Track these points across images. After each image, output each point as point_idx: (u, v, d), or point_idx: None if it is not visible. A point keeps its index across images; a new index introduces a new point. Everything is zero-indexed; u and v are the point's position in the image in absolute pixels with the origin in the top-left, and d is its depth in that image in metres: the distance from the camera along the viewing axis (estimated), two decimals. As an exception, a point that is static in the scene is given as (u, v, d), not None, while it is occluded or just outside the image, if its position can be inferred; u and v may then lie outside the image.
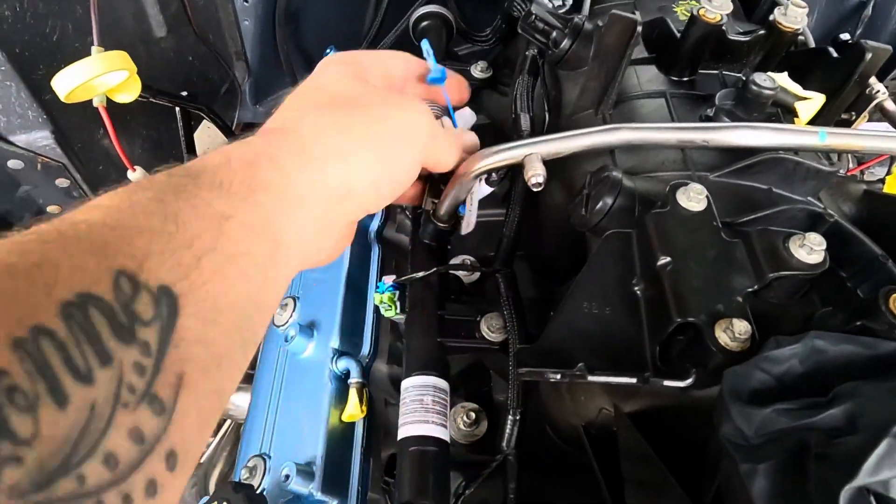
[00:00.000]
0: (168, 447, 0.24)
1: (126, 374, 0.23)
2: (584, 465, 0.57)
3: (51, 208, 0.76)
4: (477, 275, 0.62)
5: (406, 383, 0.49)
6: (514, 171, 0.55)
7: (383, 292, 0.58)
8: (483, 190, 0.53)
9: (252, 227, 0.30)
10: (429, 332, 0.52)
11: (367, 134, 0.39)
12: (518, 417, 0.48)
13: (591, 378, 0.35)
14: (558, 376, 0.36)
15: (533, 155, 0.48)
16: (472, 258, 0.63)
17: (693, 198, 0.41)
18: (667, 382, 0.35)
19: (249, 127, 0.99)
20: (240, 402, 0.83)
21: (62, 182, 0.72)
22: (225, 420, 0.88)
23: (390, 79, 0.49)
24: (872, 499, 0.27)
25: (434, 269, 0.55)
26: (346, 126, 0.38)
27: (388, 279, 0.59)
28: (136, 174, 0.67)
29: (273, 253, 0.31)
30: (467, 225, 0.54)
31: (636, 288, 0.41)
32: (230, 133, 0.90)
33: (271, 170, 0.33)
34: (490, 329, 0.54)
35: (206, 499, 0.54)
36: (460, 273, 0.58)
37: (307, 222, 0.35)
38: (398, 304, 0.58)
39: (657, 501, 0.38)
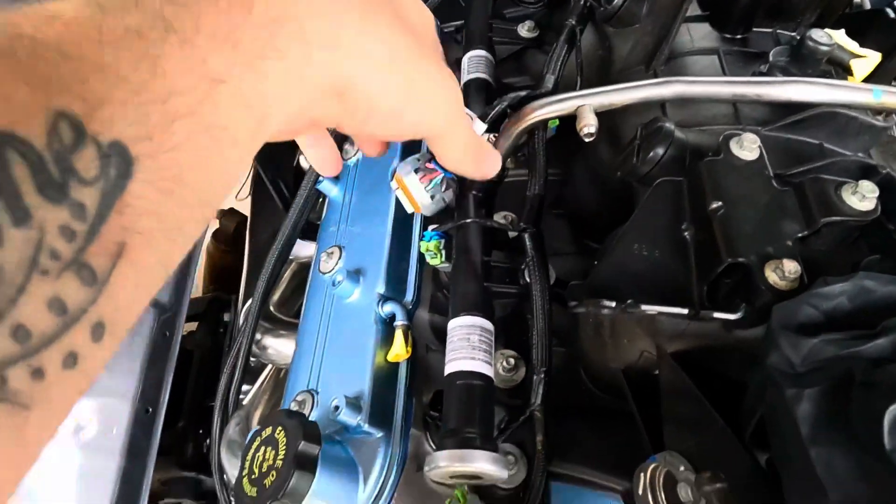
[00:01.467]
0: (96, 318, 0.21)
1: (48, 237, 0.19)
2: (616, 411, 0.59)
3: None
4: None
5: (453, 323, 0.51)
6: (531, 133, 0.56)
7: (429, 240, 0.60)
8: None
9: (247, 99, 0.26)
10: (475, 276, 0.53)
11: (407, 62, 0.34)
12: (543, 375, 0.49)
13: (643, 307, 0.37)
14: (613, 304, 0.38)
15: (586, 106, 0.50)
16: (514, 215, 0.65)
17: (746, 147, 0.42)
18: (717, 314, 0.36)
19: None
20: (281, 347, 0.87)
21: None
22: (266, 365, 0.92)
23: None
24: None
25: (477, 218, 0.57)
26: (388, 41, 0.33)
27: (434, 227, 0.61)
28: None
29: (257, 128, 0.27)
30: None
31: (685, 233, 0.42)
32: None
33: (293, 38, 0.28)
34: (534, 277, 0.56)
35: (256, 428, 0.57)
36: (504, 228, 0.60)
37: (303, 101, 0.30)
38: (443, 252, 0.60)
39: (698, 436, 0.40)
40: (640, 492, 0.48)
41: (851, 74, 0.49)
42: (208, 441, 1.10)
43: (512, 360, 0.57)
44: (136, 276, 0.22)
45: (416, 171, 0.59)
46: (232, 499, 0.90)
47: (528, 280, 0.55)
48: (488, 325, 0.52)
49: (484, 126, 0.55)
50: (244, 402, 0.88)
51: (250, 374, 0.93)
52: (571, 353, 0.59)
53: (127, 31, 0.22)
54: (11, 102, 0.19)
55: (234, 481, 0.80)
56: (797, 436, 0.30)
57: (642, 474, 0.48)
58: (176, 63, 0.23)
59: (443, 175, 0.58)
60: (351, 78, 0.31)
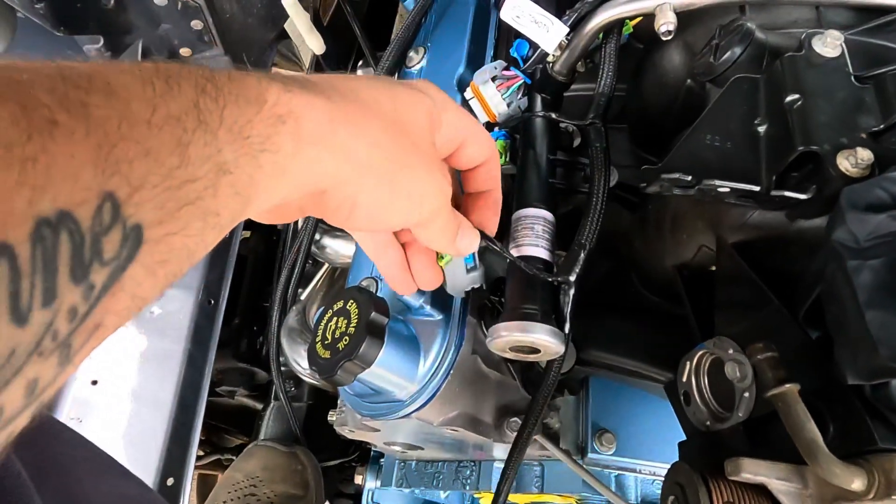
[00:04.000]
0: (49, 393, 0.21)
1: (59, 318, 0.19)
2: (662, 312, 0.62)
3: (183, 51, 0.82)
4: (578, 140, 0.65)
5: (519, 213, 0.54)
6: (605, 33, 0.57)
7: (495, 139, 0.62)
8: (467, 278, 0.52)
9: (242, 188, 0.27)
10: (541, 170, 0.56)
11: (390, 163, 0.35)
12: (584, 252, 0.50)
13: (717, 182, 0.39)
14: (689, 178, 0.40)
15: (665, 4, 0.50)
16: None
17: (829, 44, 0.42)
18: (788, 193, 0.38)
19: None
20: (338, 247, 0.91)
21: (196, 24, 0.78)
22: (323, 264, 0.97)
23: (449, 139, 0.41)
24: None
25: (544, 113, 0.59)
26: (378, 144, 0.34)
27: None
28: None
29: (240, 212, 0.28)
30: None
31: (758, 127, 0.43)
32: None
33: (289, 133, 0.29)
34: (596, 178, 0.58)
35: (322, 309, 0.62)
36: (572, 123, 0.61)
37: (285, 192, 0.31)
38: (508, 152, 0.63)
39: (752, 318, 0.43)
40: (685, 378, 0.51)
41: (943, -18, 0.48)
42: (261, 338, 1.18)
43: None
44: (90, 349, 0.22)
45: (494, 78, 0.61)
46: (285, 382, 0.97)
47: (588, 175, 0.57)
48: (551, 217, 0.54)
49: (566, 29, 0.55)
50: (301, 298, 0.93)
51: (304, 279, 0.98)
52: (624, 256, 0.62)
53: (170, 116, 0.23)
54: (78, 183, 0.19)
55: (292, 364, 0.87)
56: (854, 301, 0.33)
57: (688, 362, 0.51)
58: (199, 151, 0.24)
59: (523, 80, 0.59)
60: (334, 176, 0.32)
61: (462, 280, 0.51)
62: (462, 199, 0.47)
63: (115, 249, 0.21)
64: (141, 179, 0.21)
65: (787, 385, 0.37)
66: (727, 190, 0.39)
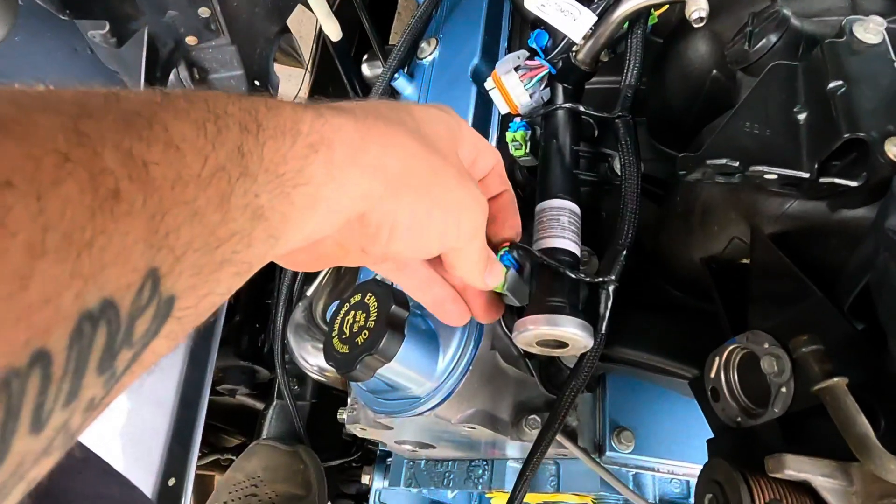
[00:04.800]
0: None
1: (75, 417, 0.17)
2: (687, 308, 0.61)
3: (189, 39, 0.80)
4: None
5: (543, 204, 0.53)
6: (631, 23, 0.56)
7: (515, 130, 0.61)
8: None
9: (273, 232, 0.25)
10: (565, 161, 0.55)
11: (426, 190, 0.34)
12: (625, 251, 0.50)
13: (765, 169, 0.38)
14: (737, 163, 0.38)
15: (696, -10, 0.49)
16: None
17: (871, 30, 0.41)
18: (838, 180, 0.37)
19: None
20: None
21: (204, 12, 0.76)
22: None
23: (474, 167, 0.42)
24: None
25: (568, 104, 0.58)
26: (411, 156, 0.33)
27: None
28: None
29: (269, 254, 0.26)
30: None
31: (798, 115, 0.42)
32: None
33: (322, 163, 0.27)
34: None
35: (338, 303, 0.60)
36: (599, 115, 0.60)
37: (320, 222, 0.29)
38: (528, 143, 0.61)
39: (793, 311, 0.42)
40: (713, 374, 0.50)
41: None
42: (263, 336, 1.16)
43: (585, 254, 0.58)
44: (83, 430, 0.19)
45: (518, 68, 0.59)
46: (289, 381, 0.95)
47: (615, 168, 0.56)
48: (576, 208, 0.53)
49: (594, 17, 0.54)
50: (307, 294, 0.92)
51: (309, 275, 0.97)
52: (646, 251, 0.61)
53: (217, 167, 0.21)
54: (127, 265, 0.17)
55: (299, 360, 0.85)
56: (912, 292, 0.32)
57: (717, 358, 0.50)
58: (239, 201, 0.22)
59: (548, 69, 0.58)
60: (369, 196, 0.31)
61: (524, 287, 0.49)
62: None
63: (146, 329, 0.19)
64: (185, 246, 0.19)
65: (836, 378, 0.35)
66: (774, 177, 0.38)
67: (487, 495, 0.79)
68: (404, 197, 0.33)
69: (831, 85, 0.40)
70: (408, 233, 0.34)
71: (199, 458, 1.31)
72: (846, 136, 0.38)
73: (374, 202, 0.32)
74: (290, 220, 0.26)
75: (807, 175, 0.37)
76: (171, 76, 0.81)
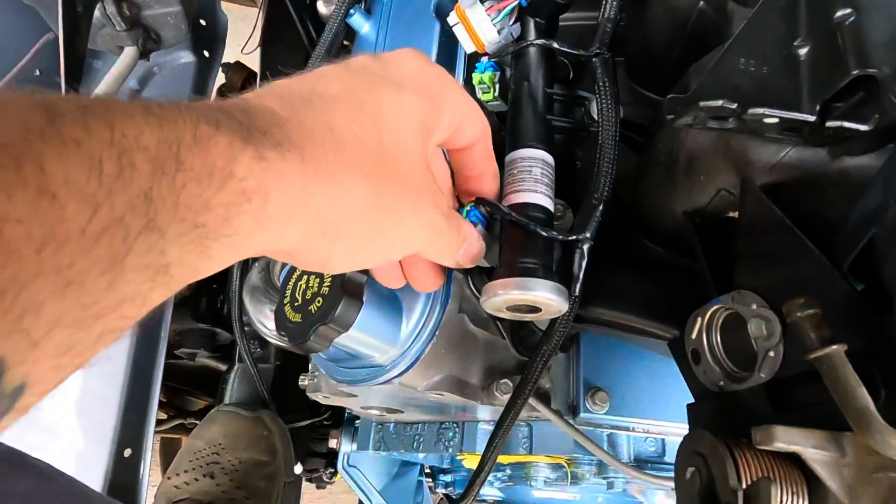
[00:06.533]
0: None
1: None
2: (667, 264, 0.58)
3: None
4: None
5: (514, 154, 0.47)
6: None
7: (483, 71, 0.55)
8: None
9: (175, 286, 0.23)
10: (537, 106, 0.49)
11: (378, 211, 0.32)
12: (601, 206, 0.46)
13: (765, 111, 0.33)
14: (734, 105, 0.34)
15: None
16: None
17: (883, -50, 0.36)
18: (847, 124, 0.33)
19: None
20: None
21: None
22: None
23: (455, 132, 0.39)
24: None
25: (541, 40, 0.51)
26: (358, 198, 0.31)
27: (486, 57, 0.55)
28: None
29: (167, 295, 0.23)
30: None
31: (799, 49, 0.37)
32: None
33: (250, 214, 0.25)
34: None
35: (290, 266, 0.55)
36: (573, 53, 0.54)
37: (231, 262, 0.27)
38: (497, 86, 0.55)
39: (785, 270, 0.38)
40: (694, 335, 0.47)
41: None
42: (222, 297, 1.10)
43: (560, 207, 0.54)
44: None
45: (484, 1, 0.53)
46: (249, 343, 0.90)
47: (592, 113, 0.51)
48: (550, 158, 0.48)
49: None
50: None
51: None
52: (625, 204, 0.57)
53: (112, 220, 0.18)
54: None
55: (257, 325, 0.80)
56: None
57: (699, 318, 0.47)
58: (137, 260, 0.19)
59: (518, 1, 0.51)
60: (299, 243, 0.29)
61: (493, 245, 0.46)
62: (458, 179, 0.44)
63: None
64: (50, 325, 0.16)
65: (834, 346, 0.32)
66: (775, 121, 0.34)
67: (459, 457, 0.76)
68: (341, 241, 0.31)
69: (838, 14, 0.35)
70: (344, 264, 0.33)
71: (165, 421, 1.27)
72: (855, 72, 0.33)
73: (304, 248, 0.30)
74: (201, 272, 0.24)
75: (812, 118, 0.32)
76: (97, 12, 0.72)
